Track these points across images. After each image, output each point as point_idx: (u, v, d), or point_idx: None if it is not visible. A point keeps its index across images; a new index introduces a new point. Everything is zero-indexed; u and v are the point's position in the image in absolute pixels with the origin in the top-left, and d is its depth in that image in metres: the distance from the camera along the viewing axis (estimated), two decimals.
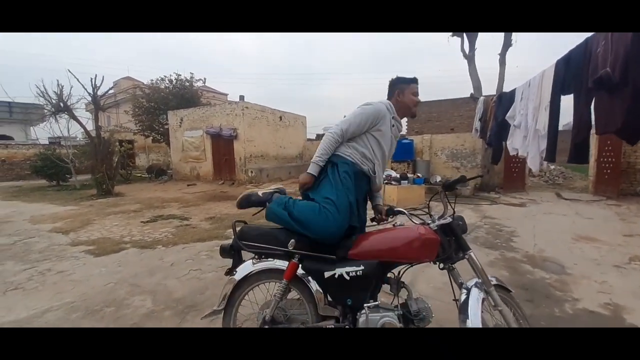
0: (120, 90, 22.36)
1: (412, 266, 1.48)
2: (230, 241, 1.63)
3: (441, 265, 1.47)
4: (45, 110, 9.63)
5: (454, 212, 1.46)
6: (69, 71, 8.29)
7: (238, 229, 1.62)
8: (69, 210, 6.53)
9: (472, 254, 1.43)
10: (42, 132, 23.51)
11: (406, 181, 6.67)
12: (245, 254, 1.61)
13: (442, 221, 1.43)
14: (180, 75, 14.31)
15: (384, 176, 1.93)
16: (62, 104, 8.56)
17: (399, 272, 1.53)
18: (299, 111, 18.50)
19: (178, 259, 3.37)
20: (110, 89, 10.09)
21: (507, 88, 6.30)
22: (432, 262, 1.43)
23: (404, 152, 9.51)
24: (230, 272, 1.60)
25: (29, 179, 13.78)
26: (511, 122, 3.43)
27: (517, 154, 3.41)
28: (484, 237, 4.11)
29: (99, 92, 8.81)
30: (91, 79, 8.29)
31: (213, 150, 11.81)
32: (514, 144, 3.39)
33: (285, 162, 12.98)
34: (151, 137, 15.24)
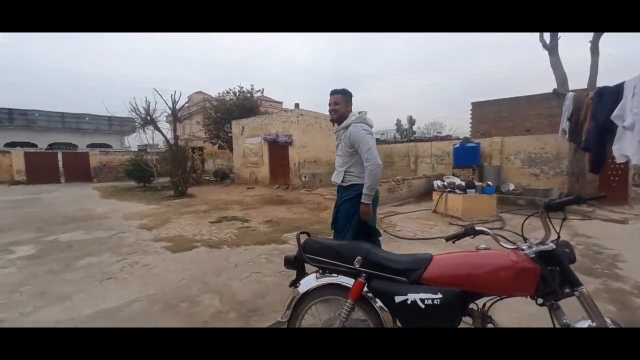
0: (193, 103, 25.33)
1: (501, 299, 1.26)
2: (294, 252, 1.62)
3: (540, 301, 1.22)
4: (136, 123, 11.37)
5: (559, 237, 1.20)
6: (155, 90, 9.66)
7: (302, 241, 1.60)
8: (152, 209, 7.52)
9: (584, 290, 1.15)
10: (133, 141, 28.11)
11: (473, 190, 6.02)
12: (309, 267, 1.58)
13: (543, 247, 1.19)
14: (242, 87, 15.58)
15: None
16: (149, 117, 10.01)
17: (485, 305, 1.32)
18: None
19: (241, 260, 3.56)
20: (186, 103, 11.43)
21: (601, 81, 5.26)
22: (529, 297, 1.20)
23: (468, 157, 8.68)
24: (294, 283, 1.58)
25: (123, 181, 16.38)
26: (619, 122, 2.80)
27: (629, 162, 2.77)
28: (579, 261, 3.41)
29: (177, 106, 10.07)
30: (171, 95, 9.52)
31: (270, 156, 12.46)
32: (624, 149, 2.75)
33: None
34: (217, 144, 16.84)
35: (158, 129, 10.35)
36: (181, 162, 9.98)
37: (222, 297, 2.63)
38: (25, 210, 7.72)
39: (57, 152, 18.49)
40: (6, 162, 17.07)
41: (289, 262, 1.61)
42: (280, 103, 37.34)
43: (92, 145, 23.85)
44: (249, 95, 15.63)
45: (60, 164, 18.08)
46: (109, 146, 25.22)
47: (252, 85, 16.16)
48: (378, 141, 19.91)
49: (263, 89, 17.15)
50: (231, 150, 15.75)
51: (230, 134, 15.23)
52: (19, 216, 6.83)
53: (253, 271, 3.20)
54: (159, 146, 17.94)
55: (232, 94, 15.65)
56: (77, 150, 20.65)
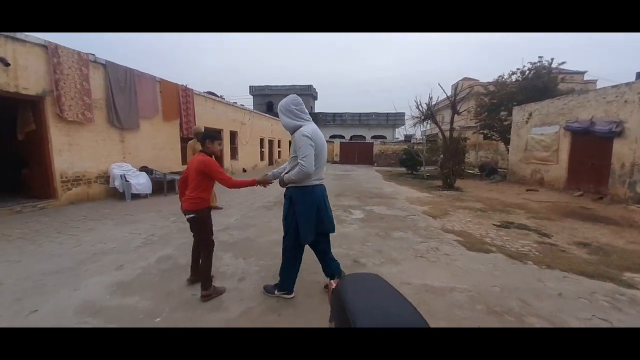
0: (459, 91, 24.63)
1: None
2: None
3: None
4: (415, 118, 12.79)
5: None
6: (439, 85, 10.19)
7: None
8: (426, 197, 8.20)
9: None
10: (399, 132, 32.85)
11: None
12: None
13: None
14: (535, 63, 12.56)
15: None
16: (430, 112, 10.86)
17: None
18: None
19: (564, 290, 2.83)
20: (466, 92, 11.12)
21: None
22: None
23: None
24: None
25: (393, 166, 19.60)
26: None
27: None
28: None
29: (456, 98, 10.04)
30: (454, 86, 9.59)
31: (571, 151, 9.28)
32: None
33: None
34: (484, 135, 15.22)
35: (436, 122, 10.99)
36: (453, 153, 9.99)
37: None
38: (344, 182, 11.33)
39: (355, 142, 25.70)
40: (330, 148, 26.39)
41: None
42: (582, 74, 26.89)
43: (374, 137, 30.67)
44: (544, 71, 12.36)
45: (355, 150, 24.99)
46: (384, 137, 31.06)
47: (539, 57, 12.43)
48: None
49: (553, 59, 12.65)
50: (504, 141, 13.61)
51: (506, 123, 13.12)
52: (343, 186, 10.12)
53: (595, 315, 2.41)
54: (417, 138, 19.28)
55: (518, 74, 13.15)
56: (365, 141, 27.43)
